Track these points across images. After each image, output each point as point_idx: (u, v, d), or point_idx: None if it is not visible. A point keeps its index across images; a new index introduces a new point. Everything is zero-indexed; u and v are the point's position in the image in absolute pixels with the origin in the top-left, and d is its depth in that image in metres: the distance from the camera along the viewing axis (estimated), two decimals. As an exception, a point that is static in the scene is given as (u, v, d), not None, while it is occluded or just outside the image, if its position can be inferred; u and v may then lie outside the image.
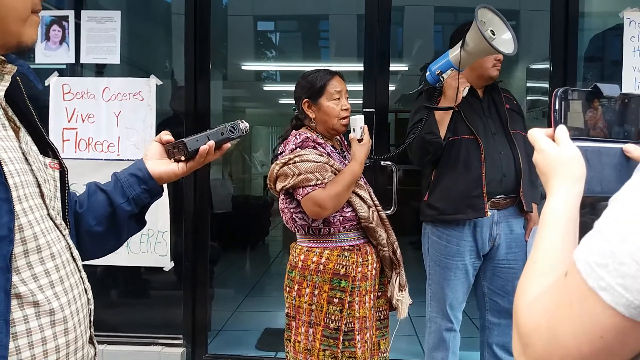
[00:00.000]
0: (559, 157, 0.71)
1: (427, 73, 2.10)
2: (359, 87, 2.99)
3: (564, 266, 0.59)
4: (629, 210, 0.53)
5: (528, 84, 4.61)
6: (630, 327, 0.51)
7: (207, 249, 3.06)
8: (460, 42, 1.99)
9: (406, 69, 6.60)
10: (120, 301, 3.21)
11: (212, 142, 1.08)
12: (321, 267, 1.88)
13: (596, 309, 0.52)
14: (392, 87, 6.71)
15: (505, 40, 1.99)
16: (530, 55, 4.43)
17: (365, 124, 1.99)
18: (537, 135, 0.74)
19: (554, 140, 0.73)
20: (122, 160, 2.84)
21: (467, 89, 2.13)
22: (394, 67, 6.26)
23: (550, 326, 0.56)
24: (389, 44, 2.91)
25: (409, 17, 6.88)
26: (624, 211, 0.54)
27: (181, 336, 2.97)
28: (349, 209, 1.92)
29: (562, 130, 0.73)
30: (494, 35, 1.98)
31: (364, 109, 2.86)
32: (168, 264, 2.89)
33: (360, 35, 3.08)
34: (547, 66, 2.92)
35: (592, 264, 0.53)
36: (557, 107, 0.73)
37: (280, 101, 8.63)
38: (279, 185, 1.90)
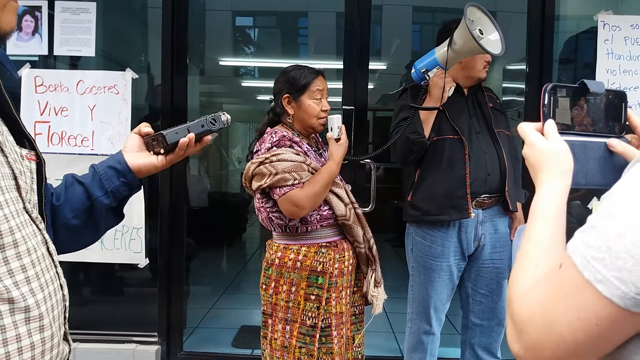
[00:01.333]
0: (548, 151, 0.73)
1: (412, 71, 2.05)
2: (337, 84, 2.99)
3: (555, 257, 0.63)
4: (624, 207, 0.56)
5: (504, 85, 4.68)
6: (624, 316, 0.55)
7: (183, 245, 3.02)
8: (448, 41, 1.95)
9: (384, 67, 6.63)
10: (93, 298, 3.15)
11: (192, 135, 1.06)
12: (298, 264, 1.88)
13: (592, 299, 0.56)
14: (370, 86, 6.73)
15: (492, 41, 1.95)
16: (507, 56, 4.49)
17: (342, 123, 1.99)
18: (526, 129, 0.77)
19: (542, 134, 0.76)
20: (96, 155, 2.79)
21: (453, 88, 2.10)
22: (372, 65, 6.28)
23: (545, 314, 0.59)
24: (368, 42, 2.91)
25: (388, 16, 6.90)
26: (619, 208, 0.57)
27: (156, 334, 2.94)
28: (325, 207, 1.92)
29: (550, 125, 0.75)
30: (482, 34, 1.94)
31: (343, 107, 2.86)
32: (143, 261, 2.85)
33: (339, 33, 3.09)
34: (523, 67, 2.96)
35: (589, 257, 0.57)
36: (546, 102, 0.75)
37: (258, 97, 8.58)
38: (255, 185, 1.89)
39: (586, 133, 0.76)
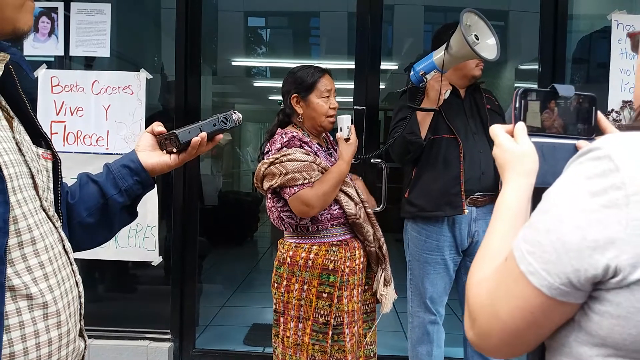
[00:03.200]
0: (514, 152, 0.77)
1: (411, 73, 2.14)
2: (349, 84, 3.00)
3: (508, 250, 0.66)
4: (553, 204, 0.61)
5: (517, 85, 4.65)
6: (552, 305, 0.60)
7: (195, 244, 3.05)
8: (445, 45, 2.02)
9: (396, 67, 6.62)
10: (108, 295, 3.19)
11: (204, 134, 1.07)
12: (310, 262, 1.90)
13: (526, 290, 0.61)
14: (382, 86, 6.72)
15: (489, 46, 2.02)
16: (519, 55, 4.47)
17: (352, 123, 2.01)
18: (497, 131, 0.81)
19: (513, 136, 0.79)
20: (111, 154, 2.82)
21: (449, 91, 2.16)
22: (384, 65, 6.27)
23: (492, 304, 0.64)
24: (380, 41, 2.92)
25: (399, 16, 6.89)
26: (550, 205, 0.61)
27: (169, 331, 2.97)
28: (336, 207, 1.94)
29: (520, 127, 0.78)
30: (478, 39, 2.01)
31: (355, 107, 2.87)
32: (156, 259, 2.88)
33: (350, 33, 3.10)
34: (536, 67, 2.95)
35: (524, 251, 0.62)
36: (517, 105, 0.78)
37: (270, 97, 8.61)
38: (266, 185, 1.91)
39: (557, 135, 0.79)
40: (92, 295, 3.07)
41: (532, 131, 0.78)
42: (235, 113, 1.13)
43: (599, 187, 0.57)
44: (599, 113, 0.80)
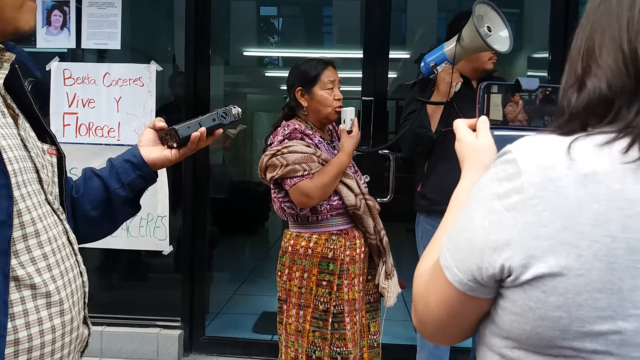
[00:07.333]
0: (472, 146, 0.78)
1: (422, 64, 2.10)
2: (359, 74, 2.99)
3: None
4: (470, 202, 0.63)
5: (529, 73, 4.60)
6: (465, 299, 0.63)
7: (205, 233, 3.09)
8: (456, 37, 1.99)
9: (409, 56, 6.57)
10: (119, 284, 3.25)
11: (203, 129, 1.09)
12: (310, 251, 1.94)
13: (445, 284, 0.64)
14: (394, 75, 6.68)
15: (501, 37, 1.97)
16: (533, 43, 4.41)
17: (356, 115, 2.02)
18: (459, 125, 0.82)
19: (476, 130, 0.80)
20: (122, 145, 2.86)
21: (459, 84, 2.14)
22: (397, 54, 6.23)
23: (426, 295, 0.68)
24: (388, 31, 2.90)
25: (413, 4, 6.81)
26: (469, 203, 0.64)
27: (179, 319, 3.02)
28: (335, 198, 1.96)
29: (482, 121, 0.79)
30: (490, 31, 1.97)
31: (362, 98, 2.87)
32: (167, 248, 2.93)
33: (363, 21, 3.09)
34: (547, 55, 2.92)
35: (445, 246, 0.66)
36: (480, 99, 0.79)
37: (281, 87, 8.61)
38: (268, 176, 1.96)
39: (523, 127, 0.79)
40: (104, 284, 3.13)
41: (496, 124, 0.78)
42: (234, 107, 1.15)
43: (504, 190, 0.60)
44: None
